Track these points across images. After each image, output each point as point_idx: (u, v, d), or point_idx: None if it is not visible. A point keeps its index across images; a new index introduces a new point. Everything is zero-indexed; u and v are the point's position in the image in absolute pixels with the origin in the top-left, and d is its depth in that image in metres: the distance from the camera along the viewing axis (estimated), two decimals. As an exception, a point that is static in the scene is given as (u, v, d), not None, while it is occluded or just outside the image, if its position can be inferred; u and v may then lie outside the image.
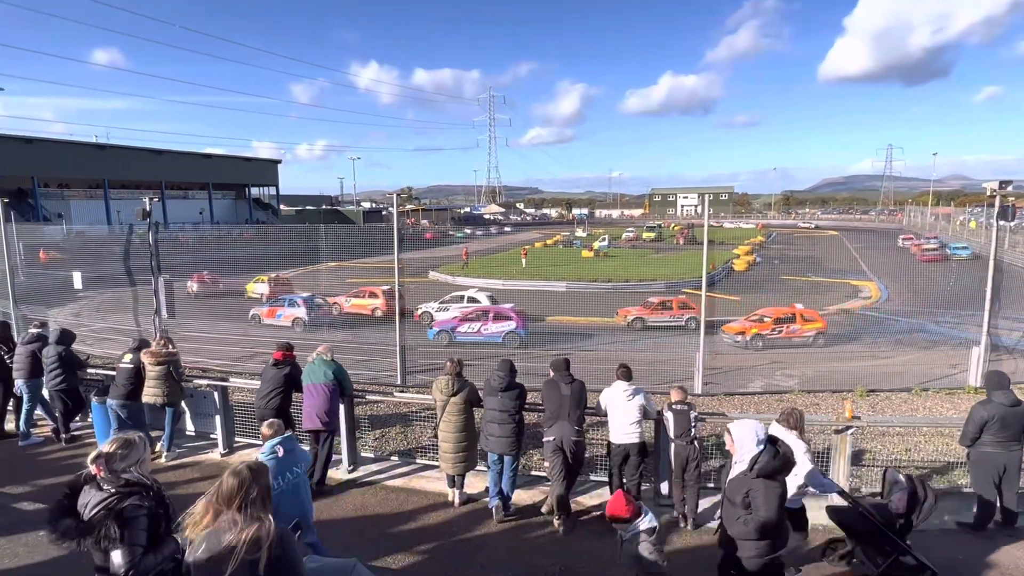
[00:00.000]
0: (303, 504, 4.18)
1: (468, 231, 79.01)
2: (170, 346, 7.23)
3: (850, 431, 5.92)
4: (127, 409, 6.95)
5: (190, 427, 7.85)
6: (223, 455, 7.31)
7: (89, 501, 2.92)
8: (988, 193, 8.58)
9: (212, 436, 7.58)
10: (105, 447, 3.05)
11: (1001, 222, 8.87)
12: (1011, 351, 11.45)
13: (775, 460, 3.60)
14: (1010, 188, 8.34)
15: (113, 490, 2.93)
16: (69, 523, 2.89)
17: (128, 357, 7.13)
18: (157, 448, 7.24)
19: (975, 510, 5.54)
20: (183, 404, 7.50)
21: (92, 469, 2.99)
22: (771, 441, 3.74)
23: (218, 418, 7.41)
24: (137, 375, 7.02)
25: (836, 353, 13.84)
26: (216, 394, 7.40)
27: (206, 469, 6.90)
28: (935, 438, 7.29)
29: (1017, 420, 5.31)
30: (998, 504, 5.43)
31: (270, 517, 2.48)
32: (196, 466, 7.02)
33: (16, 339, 8.34)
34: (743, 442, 3.79)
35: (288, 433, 4.50)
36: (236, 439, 7.60)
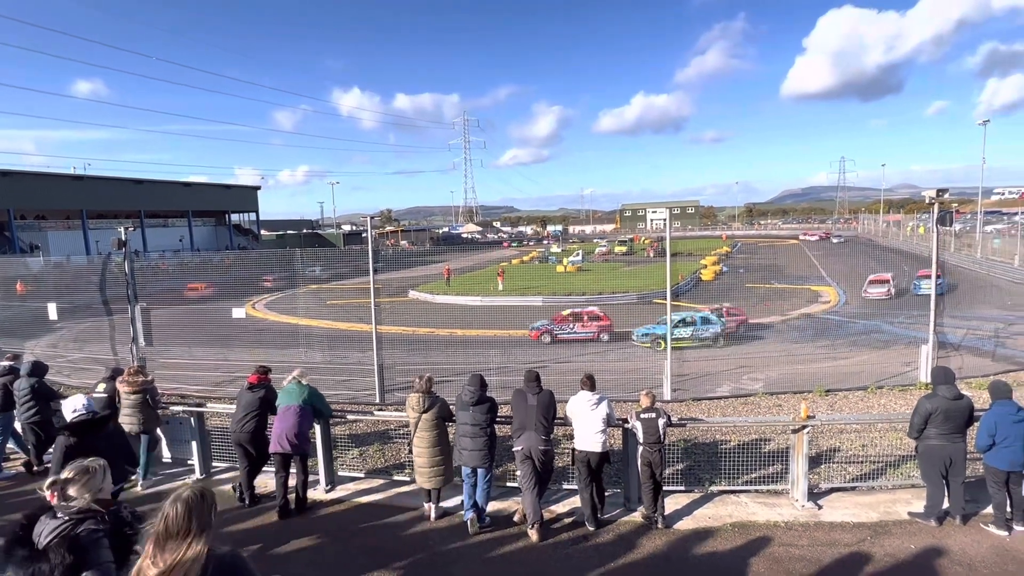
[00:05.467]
0: None
1: (525, 242, 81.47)
2: (143, 374, 7.29)
3: (806, 430, 6.21)
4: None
5: (167, 454, 7.89)
6: (200, 480, 7.34)
7: (43, 530, 2.84)
8: (927, 201, 9.15)
9: (189, 462, 7.62)
10: (63, 474, 3.01)
11: (941, 227, 9.46)
12: (957, 348, 12.06)
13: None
14: (947, 196, 8.92)
15: (67, 517, 2.87)
16: (23, 553, 2.79)
17: (102, 387, 7.20)
18: (132, 476, 7.27)
19: (925, 501, 5.86)
20: (159, 431, 7.55)
21: (47, 496, 2.94)
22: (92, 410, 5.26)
23: (195, 444, 7.46)
24: (111, 404, 7.09)
25: (798, 356, 14.33)
26: (192, 420, 7.47)
27: (183, 496, 6.93)
28: (889, 433, 7.64)
29: (960, 413, 5.64)
30: (946, 494, 5.75)
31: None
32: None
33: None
34: (66, 411, 5.18)
35: None
36: (214, 464, 7.66)
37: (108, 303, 14.01)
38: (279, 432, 6.22)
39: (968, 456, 5.74)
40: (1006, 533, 5.44)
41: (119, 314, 12.90)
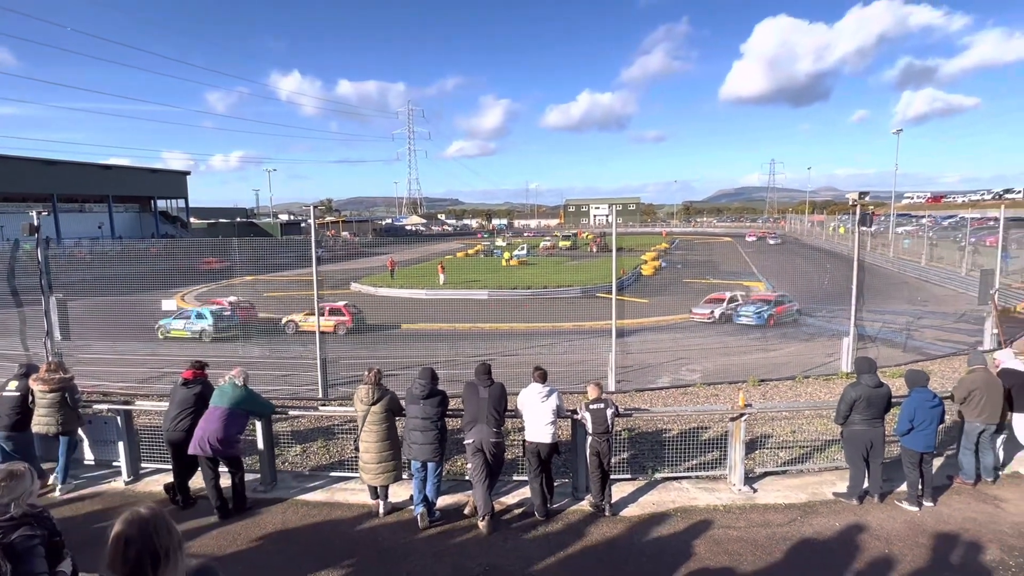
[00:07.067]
0: None
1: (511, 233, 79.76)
2: (61, 371, 6.75)
3: (743, 418, 6.54)
4: (12, 441, 6.47)
5: (89, 456, 7.35)
6: (128, 483, 6.91)
7: None
8: (850, 204, 9.86)
9: (115, 464, 7.14)
10: None
11: (862, 227, 10.23)
12: (874, 339, 13.12)
13: None
14: (867, 198, 9.64)
15: None
16: None
17: (13, 385, 6.62)
18: (50, 481, 6.75)
19: (848, 482, 6.31)
20: (80, 432, 7.03)
21: None
22: None
23: (121, 444, 6.99)
24: (24, 404, 6.54)
25: (732, 348, 15.09)
26: (119, 419, 6.99)
27: (108, 499, 6.51)
28: (816, 420, 8.17)
29: (880, 400, 6.10)
30: (866, 475, 6.21)
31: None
32: (97, 497, 6.60)
33: None
34: None
35: None
36: (143, 465, 7.21)
37: (17, 294, 12.83)
38: (201, 434, 5.88)
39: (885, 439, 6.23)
40: (917, 508, 5.94)
41: (30, 306, 11.86)
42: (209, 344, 18.15)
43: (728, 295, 22.34)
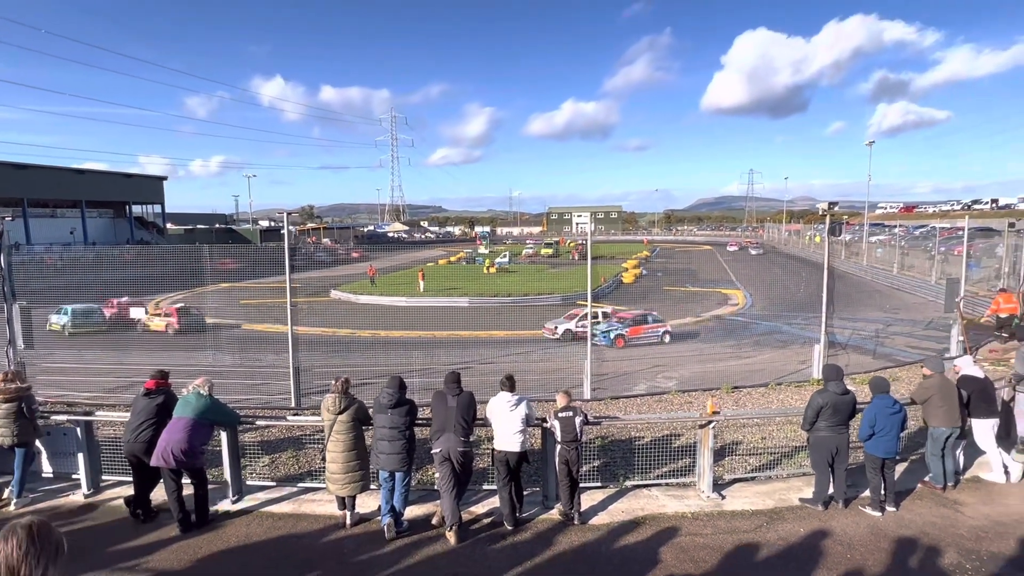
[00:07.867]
0: None
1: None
2: (18, 381, 6.56)
3: (711, 425, 6.59)
4: (-34, 453, 6.24)
5: (47, 468, 7.13)
6: (87, 496, 6.71)
7: None
8: (820, 213, 10.08)
9: (75, 476, 6.94)
10: None
11: (832, 237, 10.46)
12: (844, 347, 13.37)
13: None
14: (837, 208, 9.88)
15: None
16: None
17: (-33, 395, 6.40)
18: (5, 495, 6.54)
19: (813, 487, 6.39)
20: (38, 443, 6.83)
21: None
22: None
23: (81, 456, 6.80)
24: (-21, 414, 6.32)
25: (708, 355, 15.25)
26: (79, 430, 6.80)
27: (66, 514, 6.31)
28: (785, 426, 8.26)
29: (846, 407, 6.21)
30: (831, 481, 6.30)
31: None
32: (54, 511, 6.39)
33: None
34: None
35: None
36: (104, 477, 7.02)
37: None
38: (164, 445, 5.73)
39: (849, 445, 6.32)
40: (880, 514, 6.04)
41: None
42: (186, 351, 17.80)
43: (583, 311, 20.09)
